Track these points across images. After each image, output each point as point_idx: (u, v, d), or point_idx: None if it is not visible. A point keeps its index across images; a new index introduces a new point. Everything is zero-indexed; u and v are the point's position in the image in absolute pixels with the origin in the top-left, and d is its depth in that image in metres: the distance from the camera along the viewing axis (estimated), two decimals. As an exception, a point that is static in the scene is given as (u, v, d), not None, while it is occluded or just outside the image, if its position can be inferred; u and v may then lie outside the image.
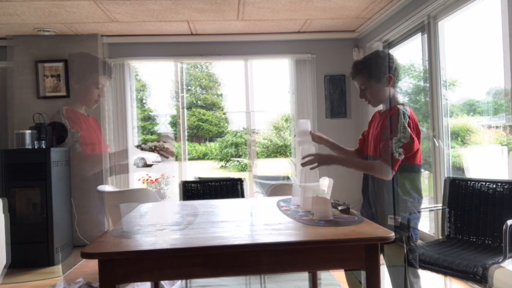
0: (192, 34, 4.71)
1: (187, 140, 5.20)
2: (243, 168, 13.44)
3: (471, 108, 5.08)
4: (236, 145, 14.62)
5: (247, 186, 3.22)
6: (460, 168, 3.95)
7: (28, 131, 3.95)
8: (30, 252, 3.80)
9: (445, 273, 2.04)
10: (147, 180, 4.79)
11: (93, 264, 3.65)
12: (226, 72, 18.58)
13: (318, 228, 1.63)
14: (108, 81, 4.64)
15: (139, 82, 14.70)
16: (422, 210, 2.16)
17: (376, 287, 1.48)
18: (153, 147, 3.30)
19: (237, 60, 5.08)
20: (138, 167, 10.05)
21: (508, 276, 2.37)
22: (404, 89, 4.92)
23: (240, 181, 3.15)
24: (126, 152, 4.71)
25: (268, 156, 14.11)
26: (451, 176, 3.10)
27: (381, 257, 1.77)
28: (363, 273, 1.51)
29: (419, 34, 3.65)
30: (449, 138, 3.44)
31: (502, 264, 1.94)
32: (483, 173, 3.62)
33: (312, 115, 4.85)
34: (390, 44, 4.30)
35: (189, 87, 16.99)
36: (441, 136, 3.40)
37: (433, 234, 3.50)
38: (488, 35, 3.44)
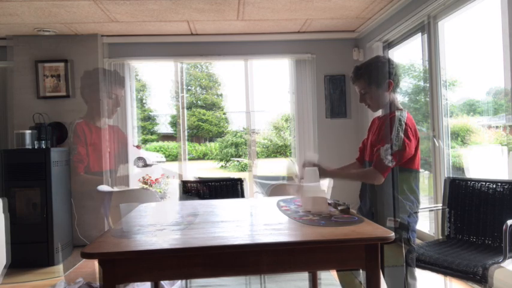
0: (192, 34, 4.72)
1: (187, 140, 5.20)
2: (243, 168, 13.45)
3: (471, 108, 5.08)
4: (236, 145, 14.62)
5: (247, 186, 3.22)
6: (460, 168, 3.95)
7: (28, 131, 3.95)
8: (30, 252, 3.80)
9: (445, 273, 2.04)
10: (147, 180, 4.78)
11: (93, 264, 3.66)
12: (226, 72, 18.61)
13: (317, 228, 1.62)
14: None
15: (139, 82, 14.71)
16: (422, 210, 2.18)
17: (376, 287, 1.48)
18: None
19: (237, 60, 5.08)
20: (138, 167, 10.06)
21: (508, 276, 2.36)
22: (404, 89, 4.93)
23: (240, 181, 3.15)
24: (126, 153, 4.71)
25: (268, 156, 14.12)
26: (451, 176, 3.10)
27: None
28: (363, 273, 1.51)
29: (419, 34, 3.65)
30: (449, 138, 3.44)
31: (502, 264, 1.94)
32: (483, 173, 3.61)
33: (312, 115, 4.85)
34: (390, 44, 4.30)
35: (189, 87, 17.00)
36: (441, 136, 3.40)
37: (433, 234, 3.50)
38: (488, 35, 3.44)
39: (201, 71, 17.58)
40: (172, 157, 14.24)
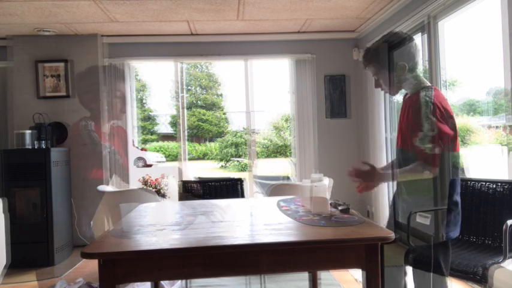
0: (192, 34, 4.71)
1: (187, 140, 5.20)
2: (243, 168, 13.45)
3: (471, 108, 5.08)
4: (236, 145, 14.63)
5: (247, 186, 3.23)
6: (460, 168, 3.94)
7: (28, 131, 3.95)
8: (30, 252, 3.80)
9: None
10: (147, 180, 4.79)
11: (93, 264, 3.65)
12: (226, 72, 18.63)
13: (317, 228, 1.63)
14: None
15: (139, 82, 14.72)
16: (421, 210, 2.16)
17: (376, 287, 1.48)
18: None
19: (237, 60, 5.07)
20: (138, 167, 10.06)
21: (508, 276, 2.36)
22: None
23: (240, 181, 3.15)
24: (126, 153, 4.71)
25: (268, 156, 14.12)
26: (451, 176, 3.09)
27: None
28: (363, 273, 1.51)
29: (419, 34, 3.65)
30: (449, 138, 3.43)
31: (502, 264, 1.94)
32: (483, 173, 3.61)
33: (312, 115, 4.85)
34: (390, 44, 4.30)
35: (189, 87, 17.01)
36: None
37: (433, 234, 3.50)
38: (488, 35, 3.44)
39: (201, 71, 17.59)
40: (172, 157, 14.25)
